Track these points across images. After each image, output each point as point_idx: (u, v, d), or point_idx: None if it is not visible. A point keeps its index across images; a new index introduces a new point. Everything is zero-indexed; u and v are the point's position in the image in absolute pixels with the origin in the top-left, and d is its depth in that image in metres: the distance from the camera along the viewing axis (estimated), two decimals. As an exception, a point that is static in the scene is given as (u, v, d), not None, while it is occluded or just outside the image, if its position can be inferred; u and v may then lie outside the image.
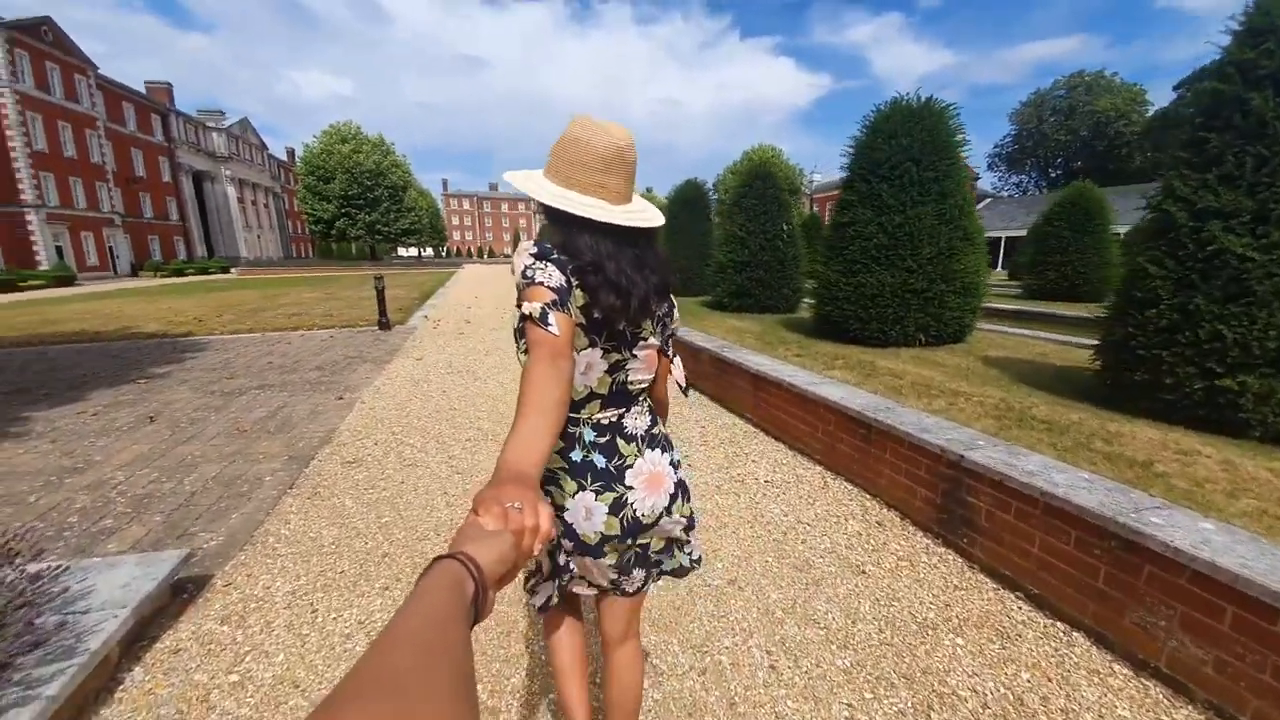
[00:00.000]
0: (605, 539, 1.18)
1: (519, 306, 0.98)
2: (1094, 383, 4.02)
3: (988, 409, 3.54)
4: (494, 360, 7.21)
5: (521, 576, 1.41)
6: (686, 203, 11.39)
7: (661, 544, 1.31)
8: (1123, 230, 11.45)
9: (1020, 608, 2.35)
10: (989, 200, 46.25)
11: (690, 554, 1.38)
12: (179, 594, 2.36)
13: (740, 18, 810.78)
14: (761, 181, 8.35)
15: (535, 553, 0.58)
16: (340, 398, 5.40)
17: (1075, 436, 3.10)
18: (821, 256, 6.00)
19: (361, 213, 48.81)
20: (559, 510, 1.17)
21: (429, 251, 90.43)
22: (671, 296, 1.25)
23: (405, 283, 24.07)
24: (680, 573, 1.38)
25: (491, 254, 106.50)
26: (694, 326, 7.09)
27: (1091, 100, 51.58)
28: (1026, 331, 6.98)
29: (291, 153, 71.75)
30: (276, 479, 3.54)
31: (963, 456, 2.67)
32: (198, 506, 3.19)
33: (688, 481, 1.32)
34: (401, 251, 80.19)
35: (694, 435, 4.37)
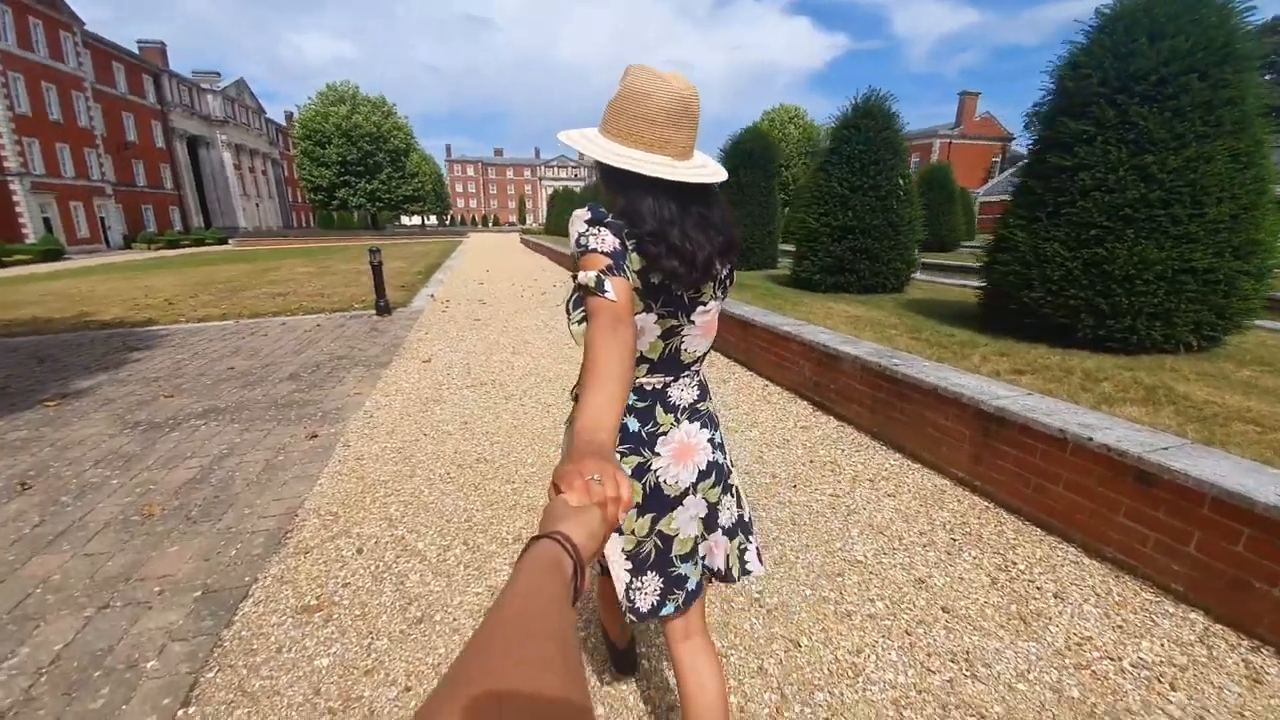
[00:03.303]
0: None
1: (574, 278, 0.90)
2: None
3: None
4: (525, 363, 5.42)
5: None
6: (748, 156, 9.33)
7: (688, 545, 1.16)
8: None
9: None
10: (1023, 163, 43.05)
11: (718, 569, 1.23)
12: None
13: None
14: (872, 121, 6.33)
15: (620, 522, 0.60)
16: (314, 435, 3.65)
17: None
18: (1018, 217, 4.08)
19: (362, 180, 46.40)
20: None
21: (433, 220, 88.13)
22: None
23: (408, 253, 22.22)
24: (699, 591, 1.18)
25: (497, 222, 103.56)
26: (793, 314, 5.25)
27: (1139, 51, 47.69)
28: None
29: (289, 116, 68.74)
30: (167, 666, 1.81)
31: None
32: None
33: (729, 466, 1.23)
34: (404, 220, 77.90)
35: (889, 517, 2.59)
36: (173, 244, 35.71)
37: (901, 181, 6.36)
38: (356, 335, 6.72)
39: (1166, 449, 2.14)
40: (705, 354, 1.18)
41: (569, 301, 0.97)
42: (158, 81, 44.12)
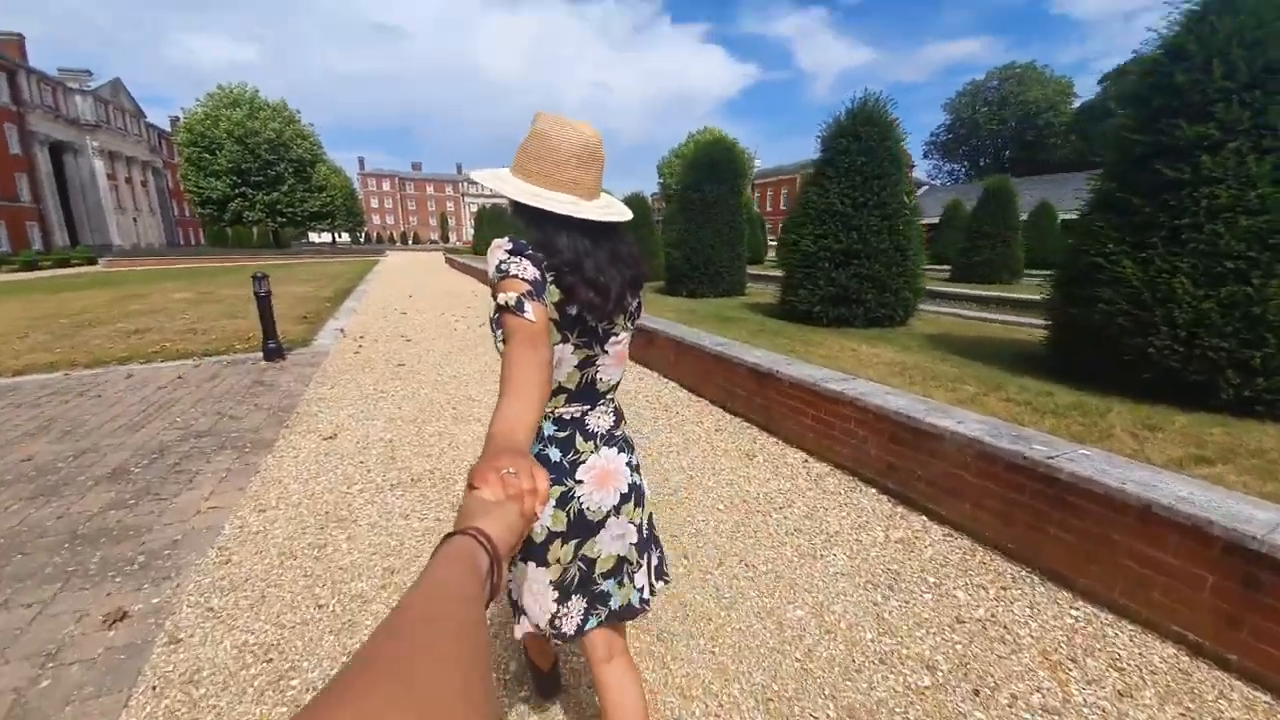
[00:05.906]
0: (551, 535, 1.13)
1: (494, 297, 0.94)
2: None
3: None
4: (474, 436, 4.02)
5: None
6: (712, 169, 8.39)
7: (610, 563, 1.19)
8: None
9: None
10: (925, 188, 46.18)
11: (641, 589, 1.24)
12: None
13: (671, 1, 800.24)
14: (873, 129, 5.52)
15: (538, 515, 0.56)
16: (120, 615, 2.11)
17: None
18: (1117, 241, 3.25)
19: (260, 192, 42.08)
20: None
21: (345, 237, 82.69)
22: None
23: (317, 275, 19.77)
24: (628, 613, 1.21)
25: (417, 240, 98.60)
26: (816, 360, 4.22)
27: (1023, 91, 52.93)
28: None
29: (175, 121, 61.86)
30: None
31: None
32: None
33: (645, 488, 1.27)
34: (313, 237, 72.24)
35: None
36: (29, 265, 30.30)
37: (907, 199, 5.59)
38: (231, 393, 5.01)
39: None
40: (618, 383, 1.22)
41: (492, 321, 0.97)
42: (13, 79, 38.18)
